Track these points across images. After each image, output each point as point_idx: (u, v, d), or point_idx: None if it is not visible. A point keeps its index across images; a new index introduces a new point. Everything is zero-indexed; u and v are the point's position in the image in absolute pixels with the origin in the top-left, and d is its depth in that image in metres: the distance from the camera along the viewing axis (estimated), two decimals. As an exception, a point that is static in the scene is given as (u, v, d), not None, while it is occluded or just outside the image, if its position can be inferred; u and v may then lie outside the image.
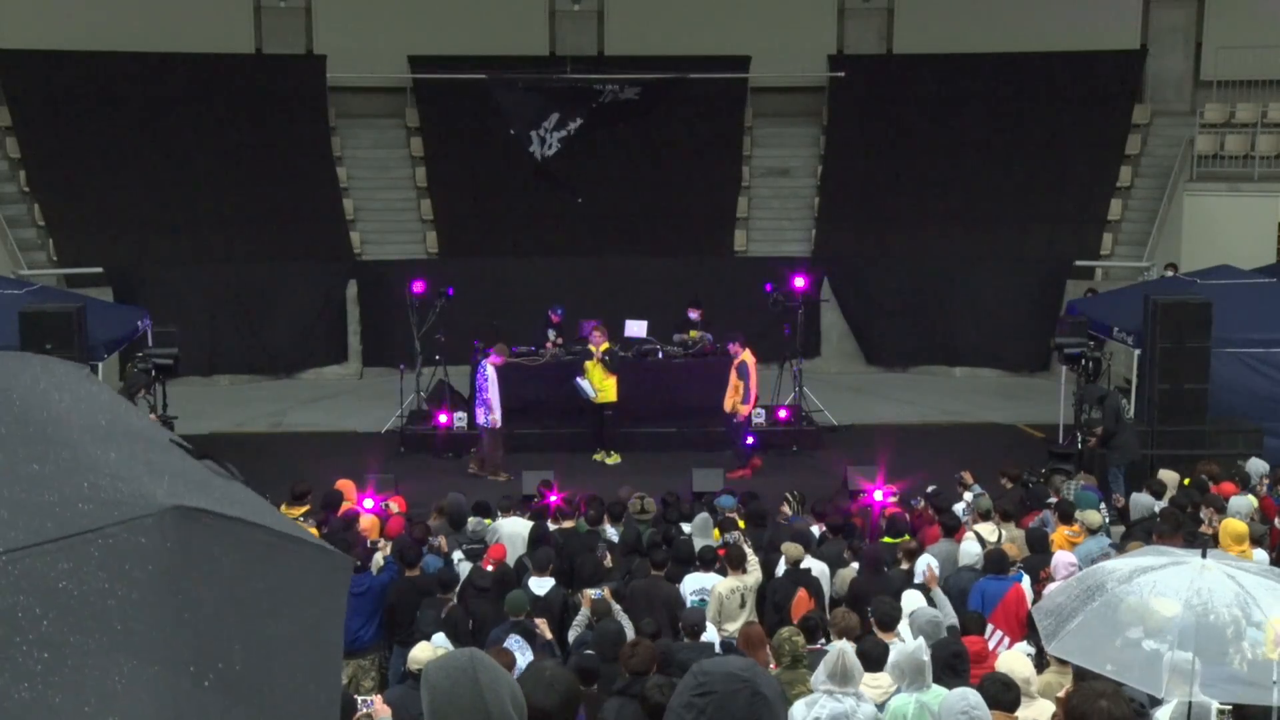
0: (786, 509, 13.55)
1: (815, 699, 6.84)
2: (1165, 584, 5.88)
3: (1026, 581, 10.08)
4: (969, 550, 10.69)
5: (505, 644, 8.56)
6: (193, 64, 24.91)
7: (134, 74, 24.55)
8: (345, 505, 12.79)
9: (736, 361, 17.78)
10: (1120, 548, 10.32)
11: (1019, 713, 6.75)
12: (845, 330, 24.72)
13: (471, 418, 18.28)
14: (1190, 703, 5.94)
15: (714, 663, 2.55)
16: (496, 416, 17.43)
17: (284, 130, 24.91)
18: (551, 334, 19.47)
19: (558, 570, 10.82)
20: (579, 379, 18.37)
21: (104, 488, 1.48)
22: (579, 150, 23.32)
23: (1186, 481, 13.43)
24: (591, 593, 9.70)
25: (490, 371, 17.43)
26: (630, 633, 8.78)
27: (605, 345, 18.33)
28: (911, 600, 9.41)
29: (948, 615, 9.18)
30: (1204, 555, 6.04)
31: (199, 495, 1.55)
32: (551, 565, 10.72)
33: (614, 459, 18.28)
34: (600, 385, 18.21)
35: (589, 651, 8.38)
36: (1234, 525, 10.56)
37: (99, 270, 22.58)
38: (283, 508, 12.54)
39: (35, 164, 24.07)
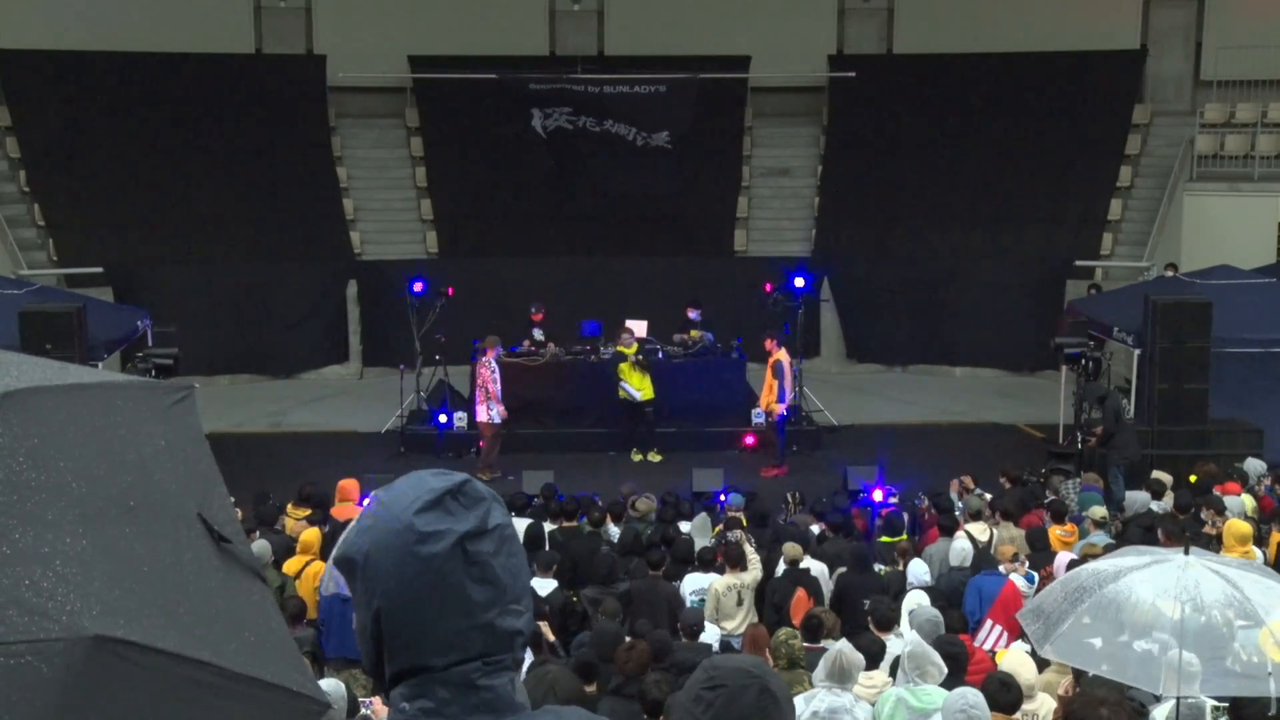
0: (786, 511, 13.58)
1: (813, 694, 6.87)
2: (1152, 583, 5.92)
3: (1037, 582, 10.08)
4: (958, 549, 10.72)
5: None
6: (193, 64, 24.90)
7: (134, 74, 24.53)
8: (346, 506, 12.78)
9: (772, 360, 17.83)
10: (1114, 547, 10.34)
11: (1023, 708, 6.76)
12: (845, 330, 24.71)
13: (471, 416, 18.27)
14: (1179, 700, 5.96)
15: (725, 658, 2.58)
16: (502, 408, 17.44)
17: (284, 130, 24.90)
18: (537, 333, 19.43)
19: (558, 570, 10.82)
20: (623, 383, 18.31)
21: (43, 589, 1.35)
22: (595, 145, 23.40)
23: (1193, 479, 13.44)
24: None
25: (495, 365, 17.45)
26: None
27: (634, 346, 18.33)
28: (912, 600, 9.43)
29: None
30: (1186, 553, 6.08)
31: (148, 615, 1.39)
32: (555, 566, 10.71)
33: (656, 457, 18.29)
34: (639, 385, 18.22)
35: (586, 650, 8.38)
36: (1238, 526, 10.57)
37: (99, 270, 22.56)
38: (289, 508, 12.57)
39: (35, 164, 24.06)
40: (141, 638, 1.38)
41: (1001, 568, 10.25)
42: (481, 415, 17.60)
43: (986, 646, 8.86)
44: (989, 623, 9.32)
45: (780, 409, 17.92)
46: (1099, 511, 11.72)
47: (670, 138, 24.06)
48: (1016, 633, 9.11)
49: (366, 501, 2.11)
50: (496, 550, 1.88)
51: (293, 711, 1.58)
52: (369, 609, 1.84)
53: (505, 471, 17.06)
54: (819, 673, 6.95)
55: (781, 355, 17.82)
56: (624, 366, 18.26)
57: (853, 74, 25.67)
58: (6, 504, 1.38)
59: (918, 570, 10.39)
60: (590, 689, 7.54)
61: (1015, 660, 7.31)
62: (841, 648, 7.05)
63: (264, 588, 1.71)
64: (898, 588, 10.22)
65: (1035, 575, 10.14)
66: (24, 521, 1.38)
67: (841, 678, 6.84)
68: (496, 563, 1.87)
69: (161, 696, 1.39)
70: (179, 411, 1.70)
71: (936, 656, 7.03)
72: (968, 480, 13.91)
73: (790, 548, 10.74)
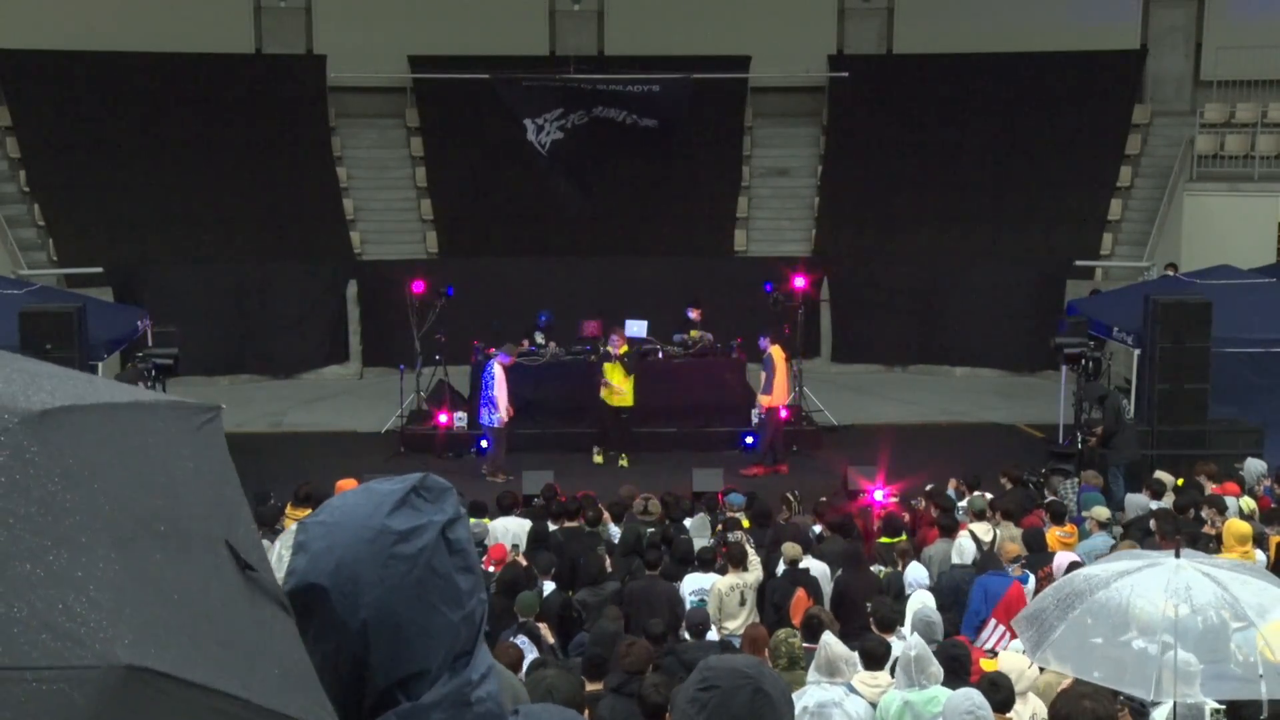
0: (786, 511, 13.58)
1: (804, 690, 6.89)
2: (1144, 586, 5.93)
3: (1032, 582, 10.07)
4: (962, 547, 10.71)
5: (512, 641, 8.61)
6: (193, 64, 24.90)
7: (134, 74, 24.54)
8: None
9: (764, 355, 17.90)
10: (1112, 548, 10.34)
11: (1015, 709, 6.77)
12: (845, 330, 24.70)
13: (473, 417, 18.28)
14: (1176, 703, 5.97)
15: (721, 659, 2.56)
16: (502, 415, 17.43)
17: (284, 130, 24.90)
18: (539, 337, 19.45)
19: (557, 572, 10.82)
20: (605, 381, 18.32)
21: (77, 614, 1.33)
22: (578, 146, 23.33)
23: (1180, 482, 13.43)
24: None
25: (497, 371, 17.44)
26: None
27: (625, 348, 18.32)
28: (917, 601, 9.43)
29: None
30: (1177, 555, 6.09)
31: (178, 643, 1.39)
32: (553, 569, 10.71)
33: (624, 462, 18.27)
34: (622, 383, 18.21)
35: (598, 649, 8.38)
36: (1237, 526, 10.56)
37: (99, 270, 22.56)
38: (288, 508, 12.56)
39: (35, 164, 24.07)
40: (172, 669, 1.36)
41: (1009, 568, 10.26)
42: (483, 418, 17.65)
43: (989, 645, 8.86)
44: (993, 622, 9.31)
45: (765, 401, 17.96)
46: (1102, 513, 11.71)
47: (659, 124, 24.04)
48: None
49: (288, 537, 1.96)
50: (469, 537, 1.85)
51: None
52: (347, 630, 1.76)
53: (512, 474, 17.04)
54: (811, 668, 7.00)
55: (773, 351, 17.87)
56: (609, 366, 18.22)
57: (846, 74, 25.70)
58: (42, 525, 1.37)
59: (916, 574, 10.38)
60: (596, 687, 7.55)
61: (1010, 660, 7.32)
62: (827, 640, 7.08)
63: (287, 618, 1.70)
64: (897, 589, 10.22)
65: (1030, 576, 10.14)
66: (58, 544, 1.37)
67: (830, 670, 6.87)
68: (470, 549, 1.85)
69: None
70: (207, 433, 1.70)
71: (929, 654, 7.04)
72: (959, 485, 13.91)
73: (790, 548, 10.74)
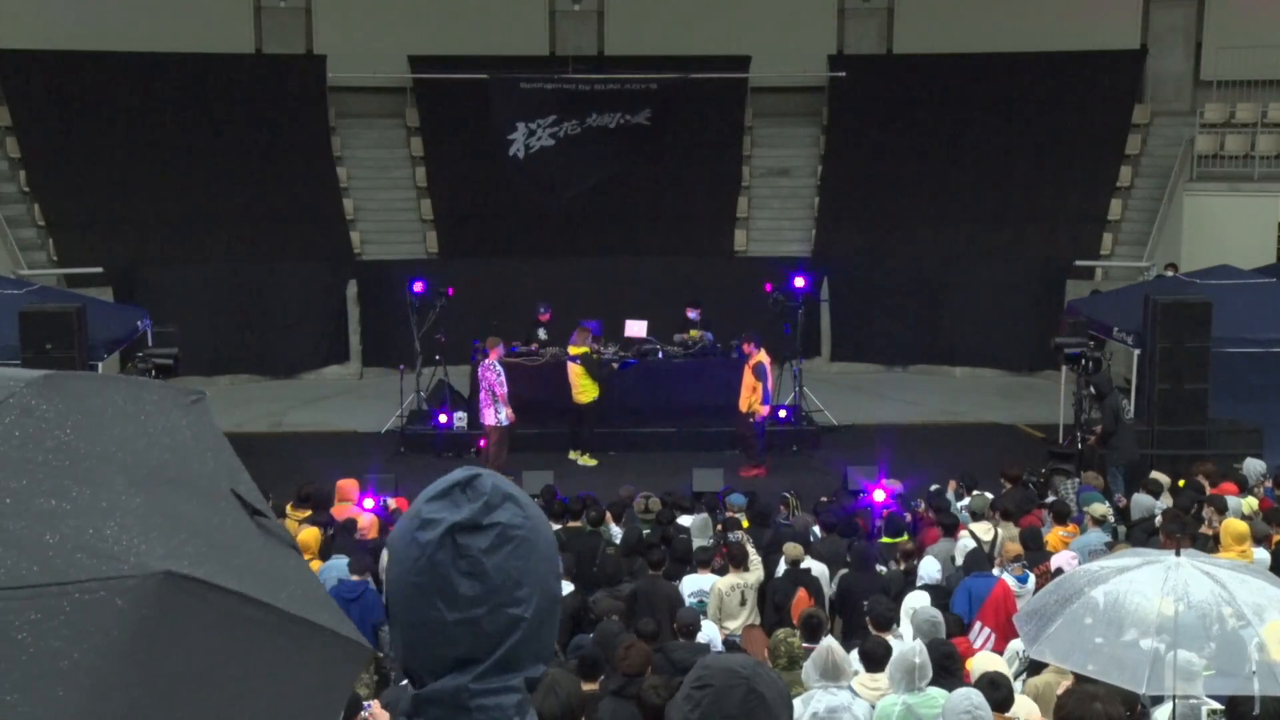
0: (784, 510, 13.58)
1: (810, 695, 6.88)
2: (1142, 582, 5.95)
3: (1031, 581, 10.08)
4: (966, 549, 10.70)
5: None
6: (193, 64, 24.90)
7: (134, 74, 24.54)
8: (345, 506, 12.77)
9: (753, 362, 17.79)
10: (1113, 547, 10.33)
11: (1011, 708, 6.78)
12: (845, 330, 24.70)
13: (473, 417, 18.25)
14: (1175, 700, 5.97)
15: (717, 658, 2.57)
16: (510, 412, 17.40)
17: (284, 130, 24.91)
18: (541, 333, 19.45)
19: (573, 574, 10.81)
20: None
21: (107, 537, 1.42)
22: (564, 155, 23.36)
23: (1181, 483, 13.42)
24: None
25: (499, 368, 17.42)
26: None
27: (585, 348, 18.38)
28: (915, 600, 9.42)
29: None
30: (1178, 554, 6.11)
31: (207, 562, 1.47)
32: (573, 571, 10.71)
33: (591, 461, 18.38)
34: (583, 385, 18.22)
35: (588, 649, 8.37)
36: (1235, 525, 10.56)
37: (99, 270, 22.57)
38: (288, 509, 12.56)
39: (35, 164, 24.06)
40: (207, 576, 1.46)
41: (1000, 569, 10.22)
42: (489, 419, 17.45)
43: (975, 648, 8.85)
44: (978, 625, 9.30)
45: (765, 410, 17.92)
46: (1099, 509, 11.71)
47: (651, 116, 24.03)
48: (1005, 634, 9.11)
49: None
50: (493, 548, 1.84)
51: (344, 654, 1.68)
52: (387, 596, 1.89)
53: (511, 474, 17.03)
54: (810, 672, 6.96)
55: (763, 357, 17.82)
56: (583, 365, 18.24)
57: (844, 74, 25.71)
58: (60, 468, 1.47)
59: (929, 569, 10.33)
60: (591, 686, 7.53)
61: (984, 662, 7.33)
62: (829, 644, 7.07)
63: (299, 556, 1.81)
64: (899, 588, 10.21)
65: (1030, 575, 10.13)
66: (79, 482, 1.47)
67: (835, 674, 6.86)
68: (490, 560, 1.84)
69: (228, 632, 1.47)
70: (198, 410, 1.83)
71: (918, 659, 7.03)
72: (957, 486, 13.91)
73: (791, 548, 10.75)
